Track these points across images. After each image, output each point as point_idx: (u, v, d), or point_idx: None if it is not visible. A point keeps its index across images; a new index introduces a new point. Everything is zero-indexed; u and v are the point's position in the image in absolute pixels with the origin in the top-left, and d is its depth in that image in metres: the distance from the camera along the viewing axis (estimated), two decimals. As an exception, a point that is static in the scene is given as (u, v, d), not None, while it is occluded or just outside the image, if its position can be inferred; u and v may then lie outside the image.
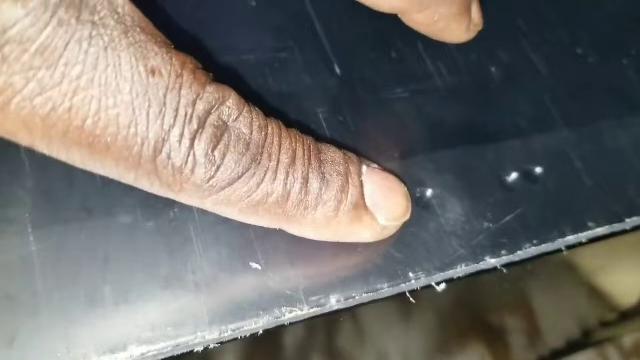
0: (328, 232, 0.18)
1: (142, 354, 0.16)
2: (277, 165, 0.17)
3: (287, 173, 0.17)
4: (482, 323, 0.50)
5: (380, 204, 0.18)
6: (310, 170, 0.17)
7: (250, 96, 0.21)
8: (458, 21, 0.22)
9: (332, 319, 0.19)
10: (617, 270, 0.38)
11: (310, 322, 0.29)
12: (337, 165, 0.18)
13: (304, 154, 0.17)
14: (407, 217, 0.19)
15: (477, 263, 0.19)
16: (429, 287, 0.19)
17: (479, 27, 0.23)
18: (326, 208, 0.17)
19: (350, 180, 0.18)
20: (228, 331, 0.17)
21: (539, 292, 0.41)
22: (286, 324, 0.17)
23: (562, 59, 0.26)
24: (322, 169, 0.18)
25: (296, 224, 0.17)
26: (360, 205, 0.18)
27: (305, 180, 0.17)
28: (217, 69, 0.21)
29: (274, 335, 0.29)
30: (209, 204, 0.16)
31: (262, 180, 0.16)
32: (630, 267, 0.38)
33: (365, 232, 0.18)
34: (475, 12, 0.23)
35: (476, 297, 0.37)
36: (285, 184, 0.17)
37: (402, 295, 0.19)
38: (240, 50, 0.22)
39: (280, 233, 0.19)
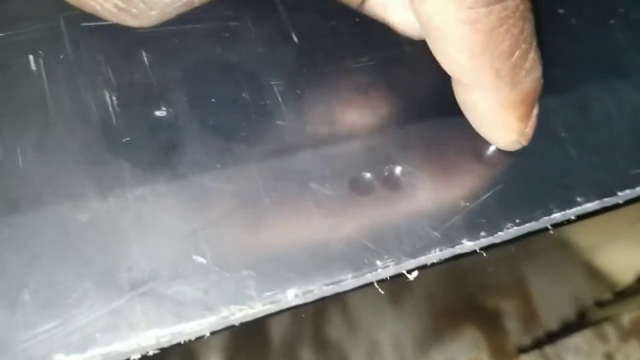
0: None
1: (69, 365, 0.14)
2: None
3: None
4: (475, 308, 0.48)
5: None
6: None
7: (195, 68, 0.19)
8: (505, 119, 0.18)
9: (294, 315, 0.17)
10: (613, 249, 0.36)
11: (295, 314, 0.27)
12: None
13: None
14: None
15: (453, 247, 0.17)
16: (400, 275, 0.17)
17: (525, 142, 0.19)
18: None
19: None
20: (167, 335, 0.15)
21: (534, 274, 0.39)
22: (236, 324, 0.15)
23: (544, 21, 0.23)
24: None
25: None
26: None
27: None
28: (160, 38, 0.19)
29: (257, 328, 0.28)
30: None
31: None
32: (626, 245, 0.36)
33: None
34: (530, 125, 0.19)
35: (468, 281, 0.36)
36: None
37: (369, 286, 0.17)
38: (186, 18, 0.20)
39: (228, 221, 0.17)
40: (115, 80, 0.18)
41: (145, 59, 0.19)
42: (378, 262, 0.17)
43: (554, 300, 0.46)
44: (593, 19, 0.24)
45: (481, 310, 0.48)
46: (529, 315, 0.52)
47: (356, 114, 0.20)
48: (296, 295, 0.16)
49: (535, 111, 0.19)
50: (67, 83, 0.18)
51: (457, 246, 0.17)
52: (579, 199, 0.19)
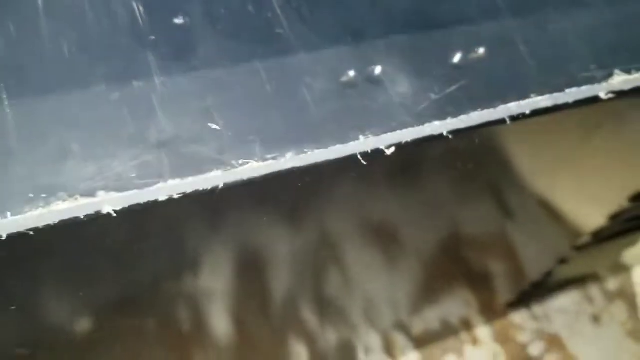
0: None
1: (111, 199, 0.17)
2: None
3: None
4: (465, 270, 0.51)
5: None
6: None
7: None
8: None
9: (291, 180, 0.20)
10: (580, 197, 0.40)
11: (295, 258, 0.31)
12: None
13: None
14: None
15: (424, 125, 0.21)
16: (379, 151, 0.21)
17: None
18: None
19: None
20: (189, 179, 0.18)
21: (513, 228, 0.43)
22: (244, 178, 0.19)
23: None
24: None
25: None
26: None
27: None
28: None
29: (259, 284, 0.31)
30: None
31: None
32: (591, 193, 0.40)
33: None
34: None
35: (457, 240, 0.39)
36: None
37: (354, 159, 0.21)
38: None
39: (237, 101, 0.20)
40: (141, -6, 0.22)
41: (165, -21, 0.22)
42: (361, 136, 0.20)
43: (535, 251, 0.49)
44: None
45: (468, 266, 0.51)
46: (515, 270, 0.55)
47: (344, 25, 0.23)
48: (292, 156, 0.19)
49: None
50: (101, -4, 0.21)
51: (427, 124, 0.21)
52: (532, 95, 0.23)
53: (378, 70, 0.22)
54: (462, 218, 0.37)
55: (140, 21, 0.21)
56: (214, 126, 0.19)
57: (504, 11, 0.25)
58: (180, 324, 0.31)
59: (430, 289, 0.55)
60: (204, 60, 0.21)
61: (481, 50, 0.23)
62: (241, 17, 0.22)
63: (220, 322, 0.35)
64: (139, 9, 0.21)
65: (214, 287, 0.28)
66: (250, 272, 0.30)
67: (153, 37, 0.21)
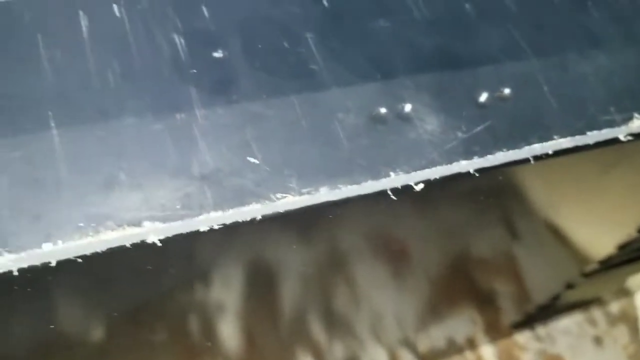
0: None
1: (155, 229, 0.18)
2: None
3: None
4: (474, 292, 0.52)
5: None
6: None
7: (245, 21, 0.23)
8: None
9: (323, 215, 0.21)
10: (591, 227, 0.40)
11: (307, 278, 0.31)
12: None
13: None
14: None
15: (451, 164, 0.22)
16: (409, 187, 0.22)
17: None
18: None
19: None
20: (229, 211, 0.19)
21: (524, 254, 0.43)
22: (281, 210, 0.20)
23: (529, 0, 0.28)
24: None
25: None
26: None
27: None
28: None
29: (275, 302, 0.32)
30: None
31: None
32: (602, 224, 0.40)
33: None
34: None
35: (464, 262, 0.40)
36: None
37: (384, 194, 0.21)
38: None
39: (274, 135, 0.21)
40: (182, 27, 0.22)
41: (205, 12, 0.23)
42: (391, 173, 0.21)
43: (543, 276, 0.50)
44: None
45: (476, 286, 0.51)
46: (521, 292, 0.56)
47: (374, 64, 0.24)
48: (327, 191, 0.20)
49: None
50: (144, 27, 0.22)
51: (455, 164, 0.22)
52: (555, 137, 0.24)
53: (408, 107, 0.23)
54: (477, 244, 0.38)
55: (182, 54, 0.22)
56: (253, 160, 0.20)
57: (527, 52, 0.26)
58: (198, 337, 0.32)
59: (439, 309, 0.55)
60: (242, 93, 0.22)
61: (507, 91, 0.24)
62: (277, 52, 0.23)
63: (234, 335, 0.36)
64: (180, 42, 0.22)
65: (237, 304, 0.28)
66: (270, 291, 0.30)
67: (194, 70, 0.21)
